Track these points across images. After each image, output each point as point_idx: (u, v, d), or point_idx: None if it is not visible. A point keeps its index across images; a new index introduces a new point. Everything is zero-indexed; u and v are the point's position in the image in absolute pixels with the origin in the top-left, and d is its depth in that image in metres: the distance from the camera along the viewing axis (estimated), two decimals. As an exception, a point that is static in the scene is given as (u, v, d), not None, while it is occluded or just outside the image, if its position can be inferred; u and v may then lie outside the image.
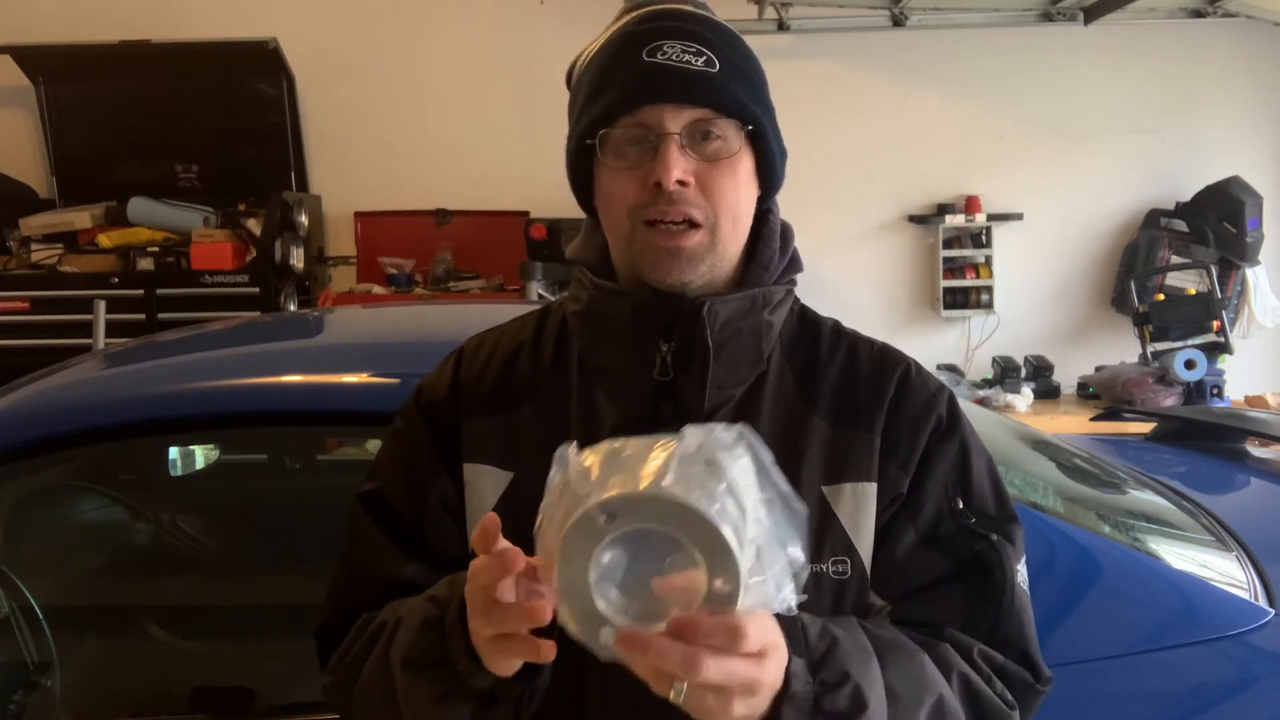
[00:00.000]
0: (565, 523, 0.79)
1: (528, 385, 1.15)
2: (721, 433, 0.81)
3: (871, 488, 1.09)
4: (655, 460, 0.79)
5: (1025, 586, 1.11)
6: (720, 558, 0.77)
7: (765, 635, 0.83)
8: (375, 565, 1.14)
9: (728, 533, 0.77)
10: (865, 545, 1.08)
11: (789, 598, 0.81)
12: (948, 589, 1.08)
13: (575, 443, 0.84)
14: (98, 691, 2.00)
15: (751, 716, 0.85)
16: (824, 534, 1.07)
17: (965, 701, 1.01)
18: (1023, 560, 1.12)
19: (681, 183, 1.04)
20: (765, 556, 0.80)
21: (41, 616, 1.86)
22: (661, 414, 1.08)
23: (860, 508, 1.08)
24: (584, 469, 0.80)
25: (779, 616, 0.86)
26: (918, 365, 1.17)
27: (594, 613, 0.79)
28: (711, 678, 0.79)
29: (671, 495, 0.77)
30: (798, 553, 0.82)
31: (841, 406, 1.11)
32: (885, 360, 1.15)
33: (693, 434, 0.80)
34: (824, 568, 1.06)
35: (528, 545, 0.85)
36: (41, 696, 1.84)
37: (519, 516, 1.07)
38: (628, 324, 1.09)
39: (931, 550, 1.09)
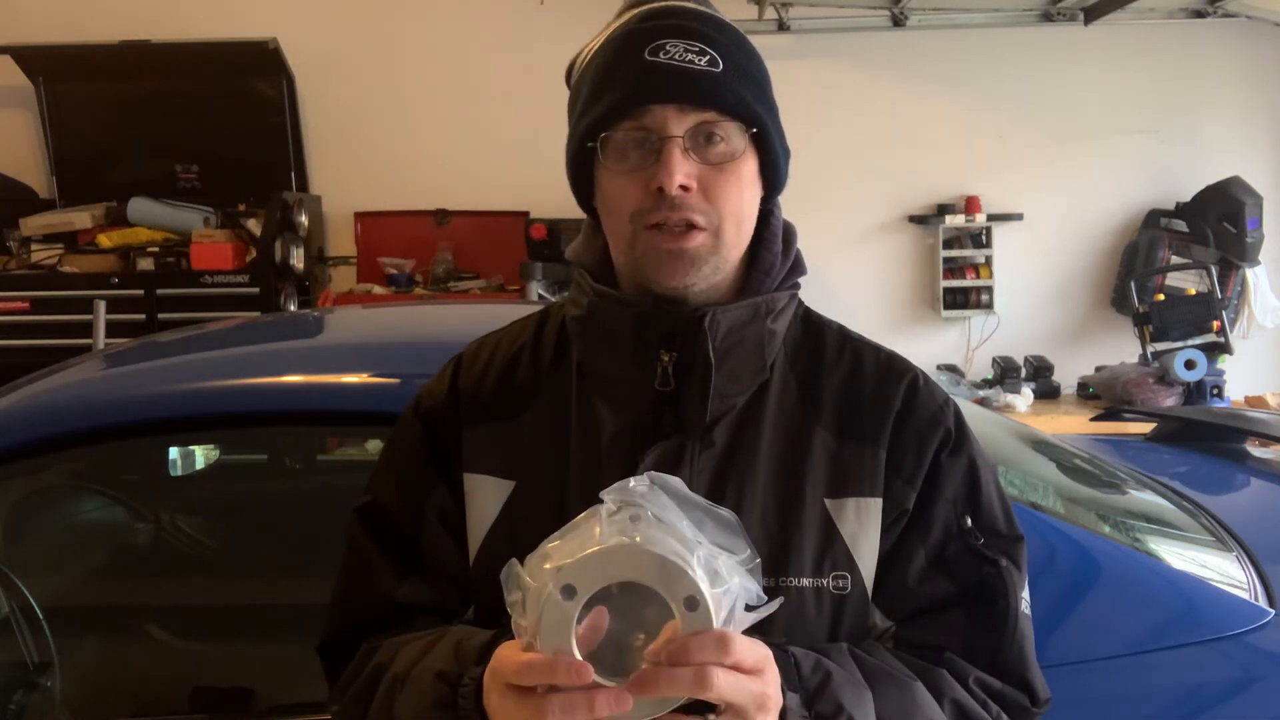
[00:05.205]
0: (536, 620, 0.85)
1: (528, 390, 1.13)
2: (634, 484, 0.88)
3: (876, 503, 1.07)
4: (587, 532, 0.87)
5: (1028, 610, 1.10)
6: (676, 579, 0.84)
7: (755, 650, 0.85)
8: (371, 584, 1.13)
9: (672, 556, 0.84)
10: (867, 561, 1.06)
11: (755, 589, 0.87)
12: (951, 615, 1.07)
13: (514, 560, 0.87)
14: (98, 691, 2.00)
15: None
16: (825, 548, 1.05)
17: None
18: (1026, 583, 1.11)
19: (684, 187, 1.01)
20: (719, 567, 0.86)
21: (41, 616, 1.86)
22: (662, 423, 1.06)
23: (864, 523, 1.06)
24: (534, 571, 0.87)
25: (773, 649, 0.89)
26: (925, 376, 1.15)
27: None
28: (724, 689, 0.82)
29: (610, 545, 0.84)
30: (743, 552, 0.88)
31: (846, 417, 1.09)
32: (891, 370, 1.13)
33: (610, 496, 0.88)
34: (825, 583, 1.05)
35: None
36: (41, 696, 1.84)
37: (520, 525, 1.07)
38: (628, 334, 1.07)
39: (937, 572, 1.08)
